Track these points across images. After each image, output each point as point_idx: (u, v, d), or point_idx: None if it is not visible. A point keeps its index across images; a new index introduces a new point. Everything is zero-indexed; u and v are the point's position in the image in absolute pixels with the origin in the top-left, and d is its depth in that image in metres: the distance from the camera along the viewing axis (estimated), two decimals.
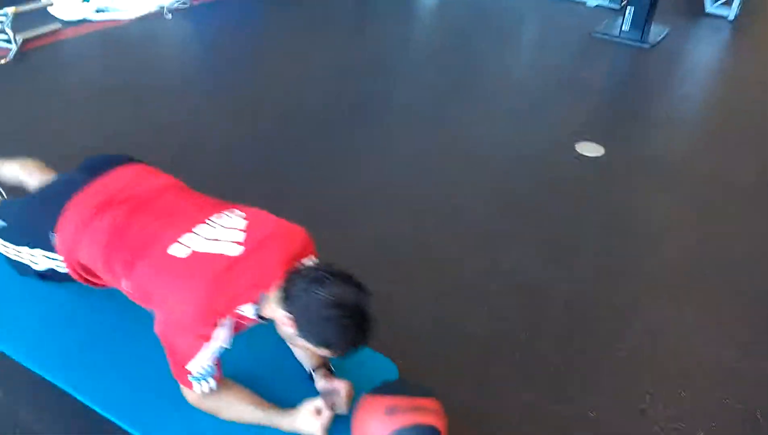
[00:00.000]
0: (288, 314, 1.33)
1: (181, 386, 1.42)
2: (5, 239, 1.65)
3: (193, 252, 1.40)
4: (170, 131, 3.03)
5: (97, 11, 4.27)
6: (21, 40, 3.67)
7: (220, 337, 1.36)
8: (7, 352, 1.59)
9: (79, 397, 1.50)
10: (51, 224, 1.53)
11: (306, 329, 1.33)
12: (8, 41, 3.61)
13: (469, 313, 2.08)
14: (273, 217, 1.57)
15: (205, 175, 2.33)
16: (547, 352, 1.94)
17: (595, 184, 2.86)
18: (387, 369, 1.71)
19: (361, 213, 2.54)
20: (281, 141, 3.03)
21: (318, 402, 1.43)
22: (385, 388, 1.44)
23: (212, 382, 1.42)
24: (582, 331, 2.03)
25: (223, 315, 1.36)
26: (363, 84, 3.72)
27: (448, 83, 3.81)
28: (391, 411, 1.36)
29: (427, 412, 1.39)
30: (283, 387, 1.55)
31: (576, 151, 3.07)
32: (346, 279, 1.35)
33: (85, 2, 4.20)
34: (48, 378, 1.53)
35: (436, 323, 2.01)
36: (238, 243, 1.44)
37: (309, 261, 1.47)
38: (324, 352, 1.35)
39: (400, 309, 2.01)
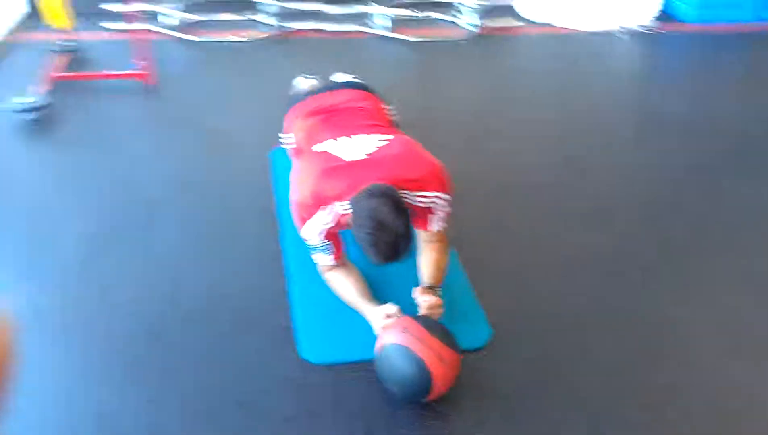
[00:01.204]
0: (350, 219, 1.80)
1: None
2: None
3: (325, 151, 2.00)
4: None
5: (560, 18, 4.91)
6: (481, 25, 4.62)
7: (320, 219, 1.87)
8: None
9: None
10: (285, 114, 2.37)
11: (354, 233, 1.78)
12: (473, 25, 4.61)
13: None
14: (416, 148, 2.01)
15: None
16: None
17: None
18: (480, 329, 2.00)
19: None
20: None
21: (394, 309, 1.83)
22: (425, 320, 1.76)
23: (330, 259, 1.97)
24: None
25: (323, 202, 1.86)
26: None
27: None
28: (404, 330, 1.69)
29: (430, 351, 1.64)
30: (394, 289, 2.03)
31: None
32: (391, 201, 1.72)
33: (551, 9, 4.90)
34: None
35: None
36: (366, 154, 1.93)
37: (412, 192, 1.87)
38: (368, 257, 1.77)
39: None
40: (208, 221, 2.52)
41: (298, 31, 4.46)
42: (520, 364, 1.93)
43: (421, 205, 1.93)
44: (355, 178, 1.84)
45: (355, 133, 2.05)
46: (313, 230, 1.92)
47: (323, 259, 2.00)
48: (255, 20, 4.50)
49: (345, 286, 2.01)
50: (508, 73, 4.16)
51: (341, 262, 2.02)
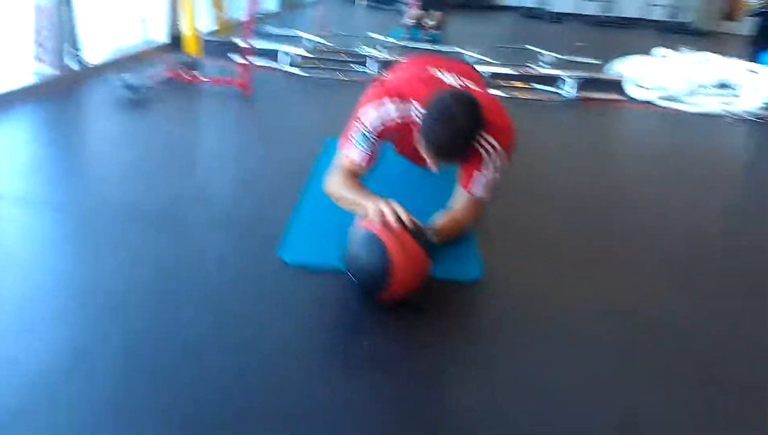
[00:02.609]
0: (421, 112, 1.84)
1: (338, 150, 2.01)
2: None
3: (431, 73, 2.13)
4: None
5: (662, 98, 4.83)
6: (580, 95, 4.66)
7: (387, 110, 1.94)
8: None
9: None
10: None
11: (422, 119, 1.81)
12: (567, 93, 4.67)
13: None
14: (501, 109, 2.06)
15: None
16: None
17: None
18: (472, 266, 1.89)
19: None
20: None
21: (390, 208, 1.70)
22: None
23: (361, 155, 1.93)
24: None
25: (400, 96, 1.95)
26: None
27: None
28: (374, 223, 1.70)
29: (393, 238, 1.63)
30: None
31: None
32: (467, 101, 1.78)
33: (652, 90, 4.84)
34: None
35: None
36: (459, 84, 2.07)
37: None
38: (425, 150, 1.80)
39: None
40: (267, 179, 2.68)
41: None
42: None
43: (481, 149, 1.92)
44: (438, 90, 1.89)
45: (463, 76, 2.15)
46: (372, 116, 1.95)
47: (353, 152, 1.94)
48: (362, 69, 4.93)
49: (350, 186, 1.92)
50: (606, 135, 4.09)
51: (365, 169, 1.96)
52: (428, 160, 1.84)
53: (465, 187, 1.99)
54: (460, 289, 1.85)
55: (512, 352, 1.60)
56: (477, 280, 1.88)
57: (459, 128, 1.74)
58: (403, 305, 1.69)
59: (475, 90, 2.08)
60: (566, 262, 2.09)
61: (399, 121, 1.94)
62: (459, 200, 2.01)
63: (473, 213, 2.03)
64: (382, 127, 1.94)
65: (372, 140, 1.94)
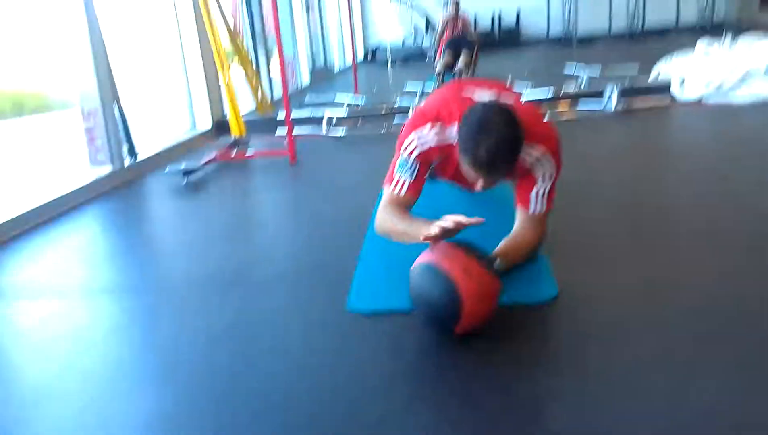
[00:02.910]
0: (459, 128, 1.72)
1: (383, 188, 1.95)
2: None
3: (461, 94, 2.01)
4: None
5: (711, 94, 4.67)
6: (624, 103, 4.56)
7: (426, 134, 1.87)
8: None
9: None
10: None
11: (459, 139, 1.70)
12: (610, 106, 4.58)
13: None
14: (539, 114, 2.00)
15: None
16: None
17: None
18: (546, 285, 1.82)
19: None
20: None
21: (444, 221, 1.61)
22: (454, 240, 1.64)
23: (406, 184, 1.87)
24: None
25: (438, 119, 1.87)
26: None
27: None
28: (431, 250, 1.61)
29: (455, 264, 1.54)
30: None
31: None
32: (501, 110, 1.67)
33: (700, 87, 4.69)
34: None
35: None
36: (494, 97, 1.93)
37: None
38: (468, 166, 1.68)
39: None
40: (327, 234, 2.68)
41: None
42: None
43: (528, 161, 1.86)
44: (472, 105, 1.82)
45: (494, 89, 2.06)
46: (416, 140, 1.89)
47: (397, 184, 1.89)
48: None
49: (399, 217, 1.86)
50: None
51: (409, 201, 1.90)
52: (473, 179, 1.72)
53: (524, 206, 1.93)
54: (537, 310, 1.75)
55: (597, 374, 1.48)
56: (553, 300, 1.79)
57: (498, 134, 1.63)
58: (480, 336, 1.61)
59: (510, 102, 1.97)
60: (637, 270, 1.98)
61: (439, 144, 1.87)
62: (520, 222, 1.95)
63: (538, 231, 1.96)
64: (423, 153, 1.88)
65: (413, 168, 1.88)
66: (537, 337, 1.66)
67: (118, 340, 1.88)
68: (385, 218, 1.91)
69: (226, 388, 1.53)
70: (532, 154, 1.84)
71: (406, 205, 1.90)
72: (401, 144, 1.94)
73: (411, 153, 1.88)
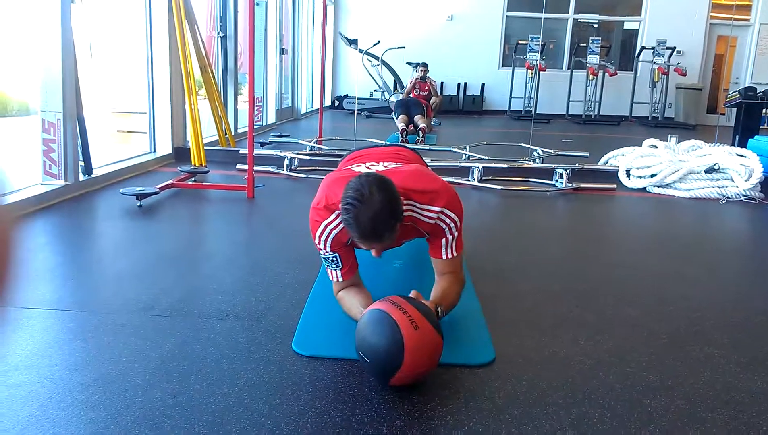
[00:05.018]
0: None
1: None
2: None
3: (349, 168, 2.09)
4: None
5: (654, 185, 4.94)
6: (572, 185, 4.78)
7: (328, 223, 1.90)
8: None
9: None
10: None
11: (340, 212, 1.77)
12: (560, 184, 4.80)
13: None
14: (431, 172, 2.09)
15: None
16: None
17: None
18: (484, 349, 1.89)
19: None
20: None
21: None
22: (409, 297, 1.74)
23: (338, 274, 1.98)
24: None
25: (333, 205, 1.88)
26: None
27: None
28: (385, 299, 1.71)
29: (403, 315, 1.62)
30: None
31: None
32: (377, 181, 1.72)
33: (644, 178, 4.98)
34: None
35: None
36: (383, 169, 2.00)
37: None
38: (357, 240, 1.77)
39: None
40: (275, 272, 2.68)
41: None
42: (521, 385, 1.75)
43: (428, 220, 1.94)
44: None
45: (384, 161, 2.16)
46: (321, 235, 1.94)
47: (332, 275, 2.01)
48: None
49: (353, 302, 1.99)
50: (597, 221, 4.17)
51: (351, 280, 2.02)
52: (367, 248, 1.81)
53: (437, 256, 2.02)
54: (473, 371, 1.82)
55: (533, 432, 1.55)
56: (489, 363, 1.86)
57: (373, 204, 1.68)
58: (415, 389, 1.66)
59: (396, 167, 2.05)
60: (573, 335, 2.08)
61: (340, 228, 1.89)
62: (441, 268, 2.05)
63: (457, 273, 2.06)
64: (334, 241, 1.93)
65: (335, 259, 1.96)
66: (472, 395, 1.72)
67: (53, 359, 1.83)
68: (344, 301, 2.05)
69: (161, 414, 1.52)
70: (430, 213, 1.92)
71: (351, 283, 2.03)
72: (314, 236, 1.97)
73: (324, 248, 1.95)
